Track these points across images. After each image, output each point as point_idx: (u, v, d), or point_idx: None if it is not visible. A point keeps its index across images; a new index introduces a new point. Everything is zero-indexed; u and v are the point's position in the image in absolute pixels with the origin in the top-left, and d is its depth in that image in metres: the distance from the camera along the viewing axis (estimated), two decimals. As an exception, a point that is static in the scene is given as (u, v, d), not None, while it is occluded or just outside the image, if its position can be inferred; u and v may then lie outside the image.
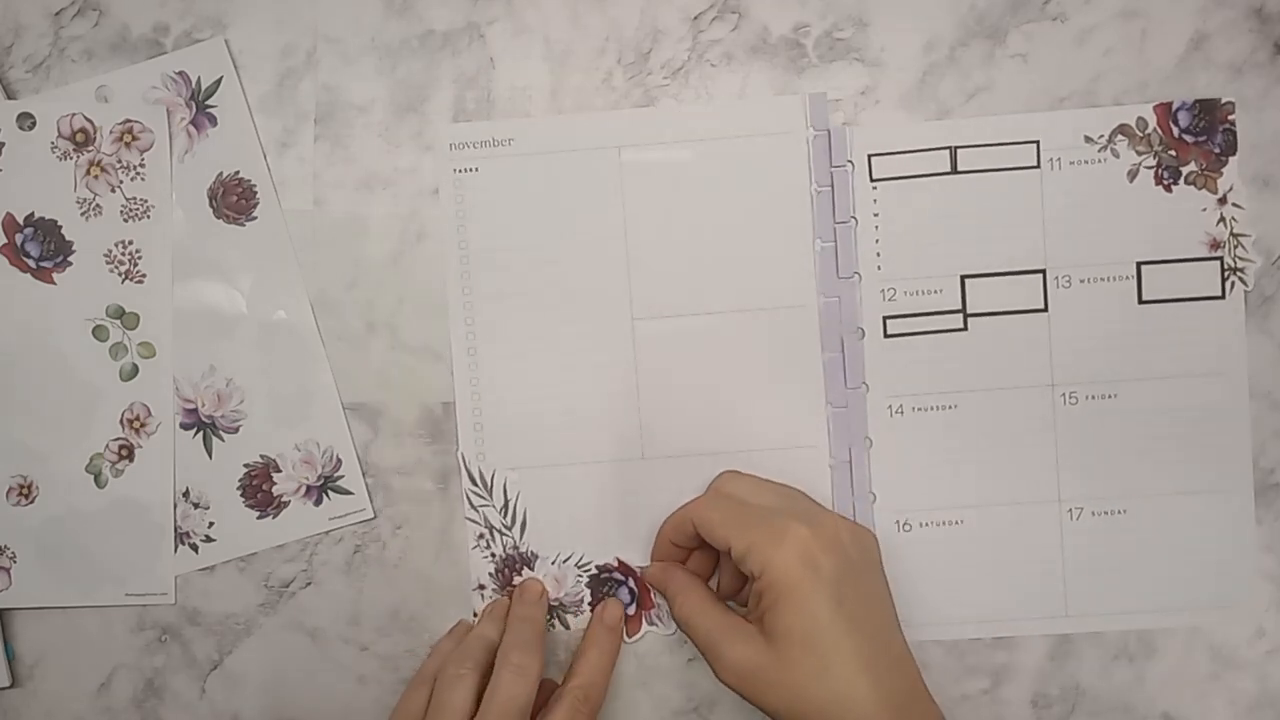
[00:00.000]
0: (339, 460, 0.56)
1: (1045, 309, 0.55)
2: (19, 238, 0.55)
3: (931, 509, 0.55)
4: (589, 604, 0.56)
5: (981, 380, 0.55)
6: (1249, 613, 0.55)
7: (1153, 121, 0.54)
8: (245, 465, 0.56)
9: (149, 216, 0.55)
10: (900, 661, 0.48)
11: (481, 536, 0.56)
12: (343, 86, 0.55)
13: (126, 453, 0.56)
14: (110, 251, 0.55)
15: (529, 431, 0.55)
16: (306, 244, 0.55)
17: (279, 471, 0.56)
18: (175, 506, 0.56)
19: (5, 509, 0.56)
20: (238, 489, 0.56)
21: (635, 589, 0.56)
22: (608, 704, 0.56)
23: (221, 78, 0.55)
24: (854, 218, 0.55)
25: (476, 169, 0.55)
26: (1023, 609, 0.55)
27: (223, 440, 0.56)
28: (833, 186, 0.55)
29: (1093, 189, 0.54)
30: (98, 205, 0.55)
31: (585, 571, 0.56)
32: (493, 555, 0.56)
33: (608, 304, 0.55)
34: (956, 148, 0.54)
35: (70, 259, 0.55)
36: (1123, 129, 0.54)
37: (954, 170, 0.54)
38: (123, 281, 0.55)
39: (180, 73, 0.55)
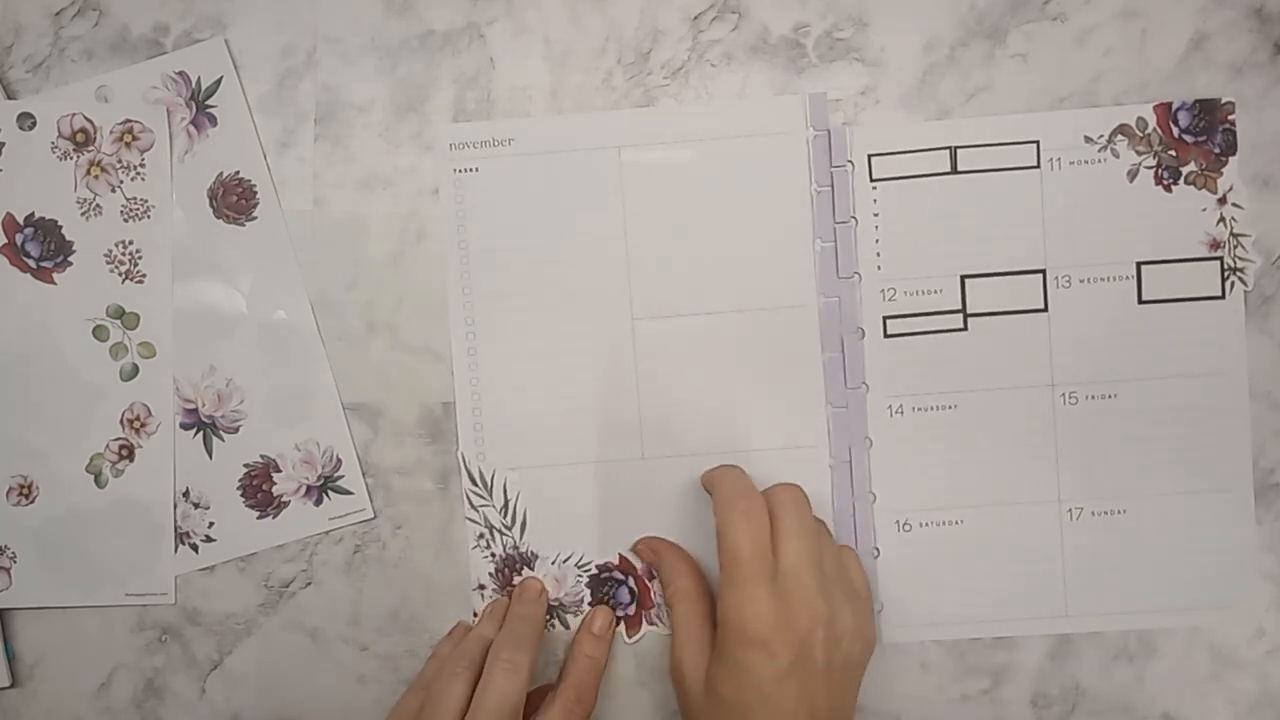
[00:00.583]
0: (339, 460, 0.56)
1: (1045, 309, 0.55)
2: (19, 238, 0.55)
3: (931, 509, 0.55)
4: (589, 604, 0.56)
5: (981, 380, 0.55)
6: (1249, 613, 0.55)
7: (1153, 121, 0.54)
8: (245, 465, 0.56)
9: (149, 216, 0.55)
10: None
11: (481, 536, 0.56)
12: (343, 86, 0.55)
13: (127, 453, 0.56)
14: (110, 251, 0.55)
15: (529, 431, 0.55)
16: (306, 244, 0.55)
17: (279, 471, 0.56)
18: (175, 506, 0.56)
19: (5, 509, 0.56)
20: (238, 489, 0.56)
21: (635, 589, 0.56)
22: (608, 704, 0.56)
23: (221, 78, 0.55)
24: (854, 218, 0.55)
25: (476, 169, 0.55)
26: (1023, 609, 0.55)
27: (223, 440, 0.56)
28: (833, 186, 0.55)
29: (1093, 189, 0.54)
30: (98, 205, 0.55)
31: (585, 571, 0.56)
32: (493, 555, 0.56)
33: (608, 304, 0.55)
34: (956, 148, 0.54)
35: (70, 259, 0.55)
36: (1123, 129, 0.54)
37: (954, 170, 0.54)
38: (123, 281, 0.55)
39: (180, 73, 0.55)
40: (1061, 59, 0.54)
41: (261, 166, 0.55)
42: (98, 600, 0.56)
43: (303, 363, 0.56)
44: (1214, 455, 0.55)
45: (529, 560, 0.56)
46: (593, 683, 0.53)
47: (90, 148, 0.55)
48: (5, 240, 0.55)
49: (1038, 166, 0.54)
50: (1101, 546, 0.55)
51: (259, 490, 0.56)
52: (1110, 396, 0.55)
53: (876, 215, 0.55)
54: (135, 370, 0.55)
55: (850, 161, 0.55)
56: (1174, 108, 0.54)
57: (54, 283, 0.55)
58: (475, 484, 0.56)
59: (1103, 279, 0.54)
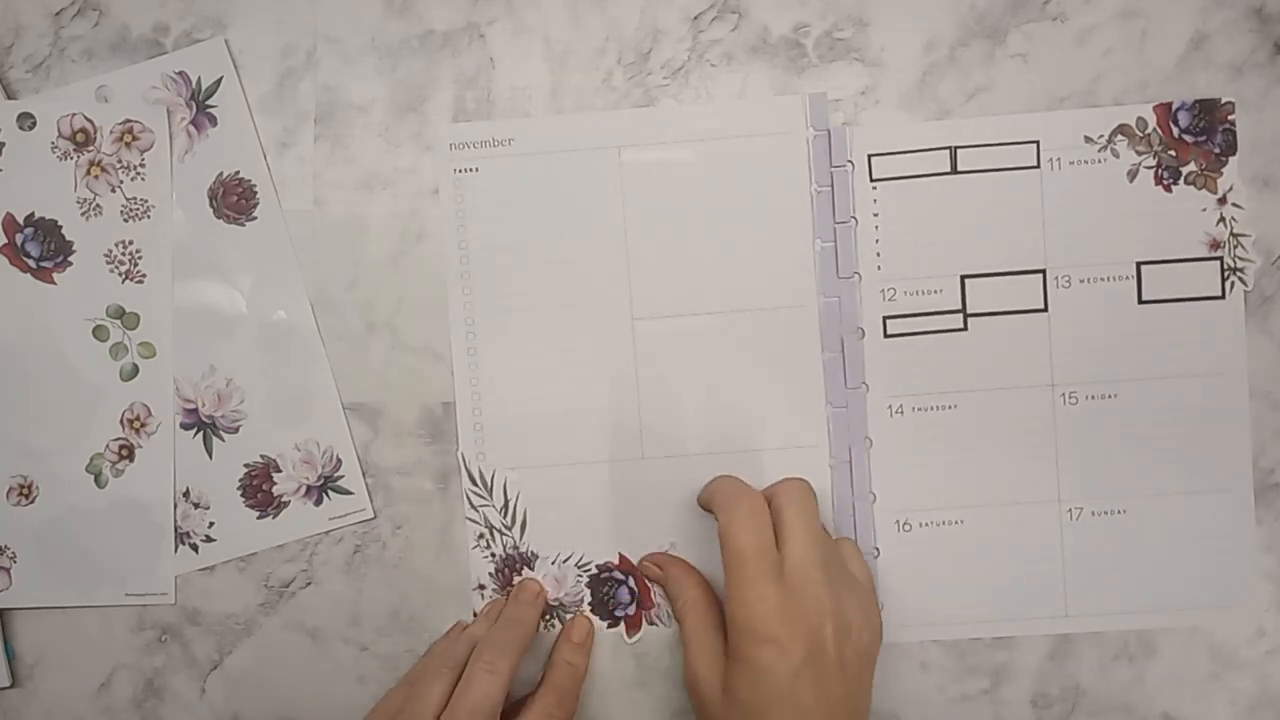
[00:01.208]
0: (339, 460, 0.56)
1: (1045, 309, 0.55)
2: (19, 238, 0.55)
3: (931, 509, 0.55)
4: (589, 604, 0.56)
5: (981, 380, 0.55)
6: (1249, 613, 0.55)
7: (1153, 121, 0.54)
8: (245, 465, 0.56)
9: (149, 216, 0.55)
10: None
11: (481, 536, 0.56)
12: (343, 86, 0.55)
13: (127, 453, 0.56)
14: (110, 251, 0.55)
15: (529, 431, 0.55)
16: (306, 244, 0.55)
17: (279, 471, 0.56)
18: (175, 506, 0.56)
19: (5, 509, 0.56)
20: (238, 489, 0.56)
21: (635, 589, 0.56)
22: (608, 704, 0.56)
23: (221, 78, 0.55)
24: (854, 218, 0.55)
25: (476, 169, 0.55)
26: (1023, 609, 0.55)
27: (223, 440, 0.56)
28: (833, 186, 0.55)
29: (1093, 189, 0.54)
30: (98, 205, 0.55)
31: (585, 571, 0.56)
32: (493, 555, 0.56)
33: (608, 304, 0.55)
34: (956, 148, 0.54)
35: (70, 259, 0.55)
36: (1123, 129, 0.54)
37: (954, 170, 0.54)
38: (123, 281, 0.55)
39: (180, 73, 0.55)
40: (1061, 59, 0.54)
41: (261, 166, 0.55)
42: (98, 600, 0.56)
43: (303, 363, 0.56)
44: (1214, 455, 0.55)
45: (529, 560, 0.56)
46: (573, 688, 0.53)
47: (90, 148, 0.55)
48: (5, 240, 0.55)
49: (1038, 166, 0.54)
50: (1101, 546, 0.55)
51: (259, 490, 0.56)
52: (1110, 396, 0.55)
53: (876, 215, 0.55)
54: (135, 370, 0.55)
55: (850, 161, 0.55)
56: (1174, 108, 0.54)
57: (54, 283, 0.55)
58: (475, 484, 0.56)
59: (1103, 279, 0.54)
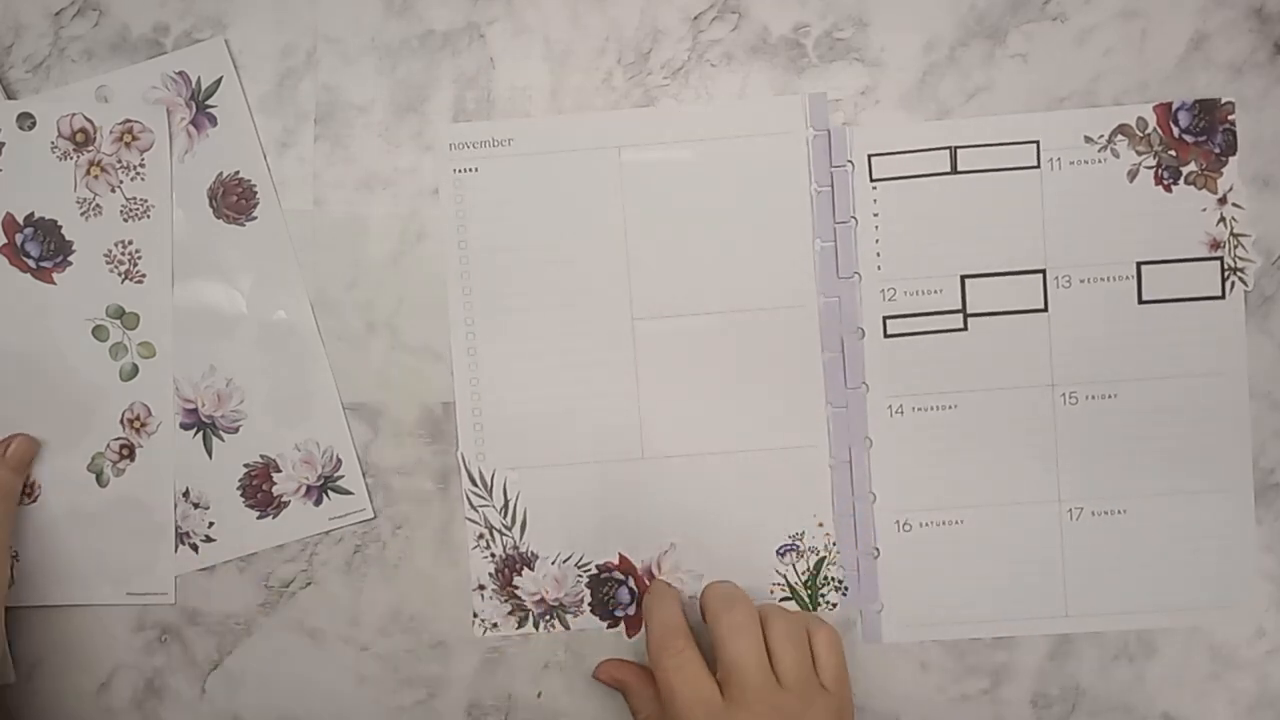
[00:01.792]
0: (339, 460, 0.56)
1: (1045, 309, 0.55)
2: (19, 237, 0.55)
3: (931, 509, 0.55)
4: (589, 604, 0.56)
5: (981, 380, 0.55)
6: (1249, 613, 0.55)
7: (1153, 121, 0.54)
8: (245, 465, 0.56)
9: (149, 216, 0.55)
10: None
11: (481, 536, 0.56)
12: (343, 86, 0.55)
13: (128, 452, 0.56)
14: (110, 251, 0.55)
15: (529, 431, 0.55)
16: (306, 244, 0.55)
17: (279, 471, 0.56)
18: (175, 506, 0.56)
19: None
20: (238, 489, 0.56)
21: (635, 589, 0.56)
22: (608, 704, 0.56)
23: (221, 77, 0.55)
24: (854, 218, 0.55)
25: (476, 169, 0.55)
26: (1023, 609, 0.55)
27: (223, 440, 0.56)
28: (833, 186, 0.55)
29: (1093, 189, 0.54)
30: (97, 205, 0.55)
31: (585, 571, 0.56)
32: (493, 555, 0.56)
33: (608, 304, 0.55)
34: (956, 148, 0.54)
35: (70, 259, 0.55)
36: (1123, 129, 0.54)
37: (954, 170, 0.54)
38: (122, 281, 0.55)
39: (180, 73, 0.55)
40: (1061, 59, 0.54)
41: (261, 166, 0.55)
42: (98, 599, 0.56)
43: (302, 363, 0.56)
44: (1214, 455, 0.55)
45: (529, 560, 0.56)
46: None
47: (90, 148, 0.55)
48: (5, 240, 0.55)
49: (1038, 166, 0.54)
50: (1101, 546, 0.55)
51: (259, 490, 0.56)
52: (1110, 396, 0.55)
53: (876, 215, 0.55)
54: (135, 370, 0.55)
55: (850, 161, 0.55)
56: (1174, 108, 0.54)
57: (54, 283, 0.55)
58: (475, 484, 0.56)
59: (1103, 279, 0.54)
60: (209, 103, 0.55)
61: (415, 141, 0.55)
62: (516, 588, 0.56)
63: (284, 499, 0.56)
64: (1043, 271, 0.54)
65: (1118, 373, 0.55)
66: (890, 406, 0.55)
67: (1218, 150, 0.54)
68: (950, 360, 0.55)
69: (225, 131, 0.55)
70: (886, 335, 0.55)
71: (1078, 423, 0.55)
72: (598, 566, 0.56)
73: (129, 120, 0.55)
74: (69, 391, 0.56)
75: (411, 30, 0.55)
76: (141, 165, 0.55)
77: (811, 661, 0.49)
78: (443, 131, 0.55)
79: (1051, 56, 0.54)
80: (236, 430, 0.56)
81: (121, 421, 0.56)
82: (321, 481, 0.56)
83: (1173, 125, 0.54)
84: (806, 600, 0.56)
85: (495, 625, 0.56)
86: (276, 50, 0.55)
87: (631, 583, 0.56)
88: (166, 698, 0.57)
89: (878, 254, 0.55)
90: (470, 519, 0.56)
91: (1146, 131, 0.54)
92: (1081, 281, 0.54)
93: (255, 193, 0.55)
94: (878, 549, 0.55)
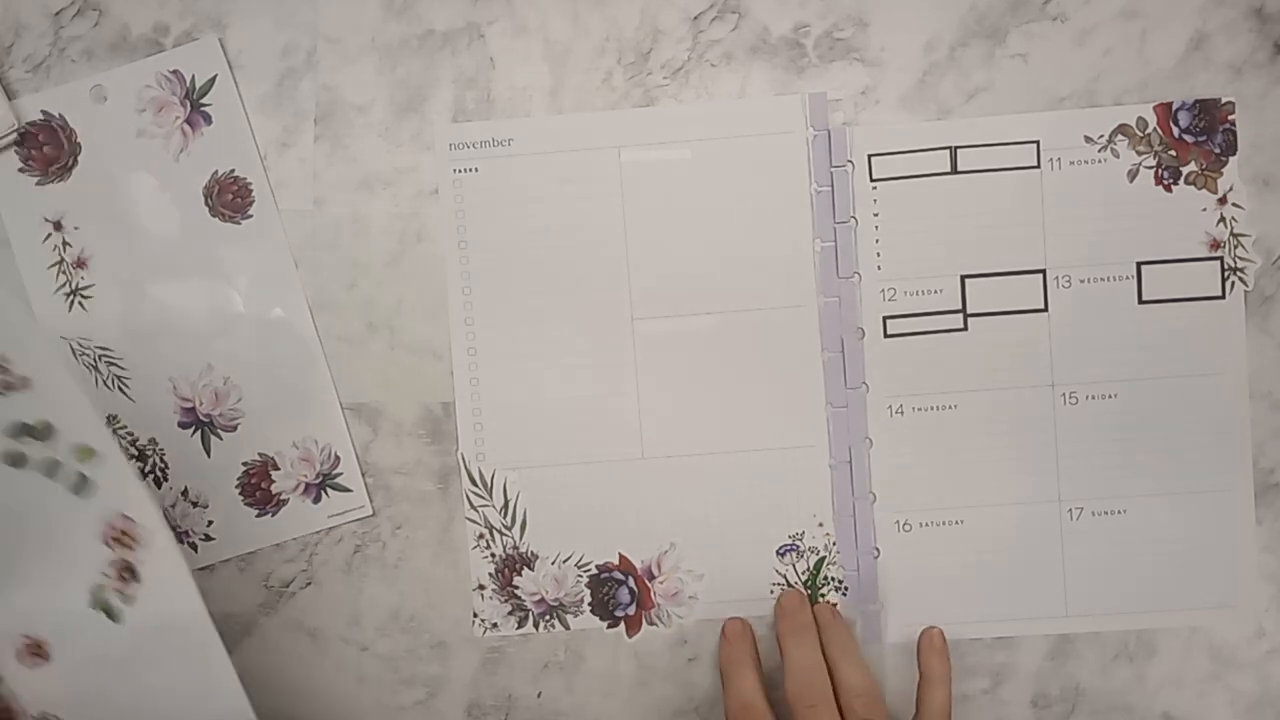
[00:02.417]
0: (337, 458, 0.56)
1: (1045, 309, 0.55)
2: None
3: (931, 509, 0.55)
4: (589, 604, 0.56)
5: (981, 380, 0.55)
6: (1249, 613, 0.55)
7: (1153, 121, 0.54)
8: (244, 463, 0.56)
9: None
10: None
11: (481, 536, 0.56)
12: (343, 86, 0.55)
13: (129, 573, 0.45)
14: None
15: (529, 431, 0.55)
16: (306, 244, 0.55)
17: (277, 469, 0.56)
18: (174, 505, 0.56)
19: (22, 675, 0.46)
20: (236, 487, 0.56)
21: (635, 589, 0.56)
22: (608, 704, 0.56)
23: (216, 76, 0.55)
24: (854, 218, 0.55)
25: (476, 169, 0.55)
26: (1023, 609, 0.55)
27: (220, 439, 0.56)
28: (833, 186, 0.55)
29: (1093, 189, 0.54)
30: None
31: (585, 571, 0.56)
32: (493, 555, 0.56)
33: (608, 304, 0.55)
34: (956, 148, 0.54)
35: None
36: (1123, 129, 0.54)
37: (954, 170, 0.54)
38: (3, 392, 0.44)
39: (175, 71, 0.55)
40: (1061, 59, 0.54)
41: (257, 165, 0.55)
42: None
43: (300, 361, 0.56)
44: (1214, 455, 0.55)
45: (529, 560, 0.56)
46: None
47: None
48: None
49: (1038, 166, 0.54)
50: (1101, 546, 0.55)
51: (258, 488, 0.56)
52: (1110, 396, 0.55)
53: (876, 215, 0.55)
54: (84, 479, 0.44)
55: (850, 161, 0.55)
56: (1174, 108, 0.54)
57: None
58: (475, 484, 0.56)
59: (1103, 279, 0.54)
60: (204, 101, 0.55)
61: (415, 141, 0.55)
62: (516, 588, 0.56)
63: (283, 497, 0.56)
64: (1043, 271, 0.54)
65: (1118, 373, 0.55)
66: (890, 406, 0.55)
67: (1218, 150, 0.54)
68: (950, 360, 0.55)
69: (220, 130, 0.55)
70: (886, 335, 0.55)
71: (1078, 423, 0.55)
72: (598, 566, 0.56)
73: None
74: (24, 533, 0.45)
75: (411, 30, 0.55)
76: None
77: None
78: (443, 131, 0.55)
79: (1051, 56, 0.54)
80: (234, 429, 0.56)
81: (105, 541, 0.45)
82: (320, 479, 0.56)
83: (1173, 125, 0.54)
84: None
85: (495, 625, 0.56)
86: (276, 50, 0.55)
87: (632, 582, 0.56)
88: (166, 698, 0.57)
89: (878, 254, 0.55)
90: (470, 519, 0.56)
91: (1146, 131, 0.54)
92: (1081, 281, 0.54)
93: (251, 191, 0.55)
94: (878, 549, 0.55)
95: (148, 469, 0.56)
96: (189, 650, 0.46)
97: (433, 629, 0.56)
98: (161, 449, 0.56)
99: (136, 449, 0.56)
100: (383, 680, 0.56)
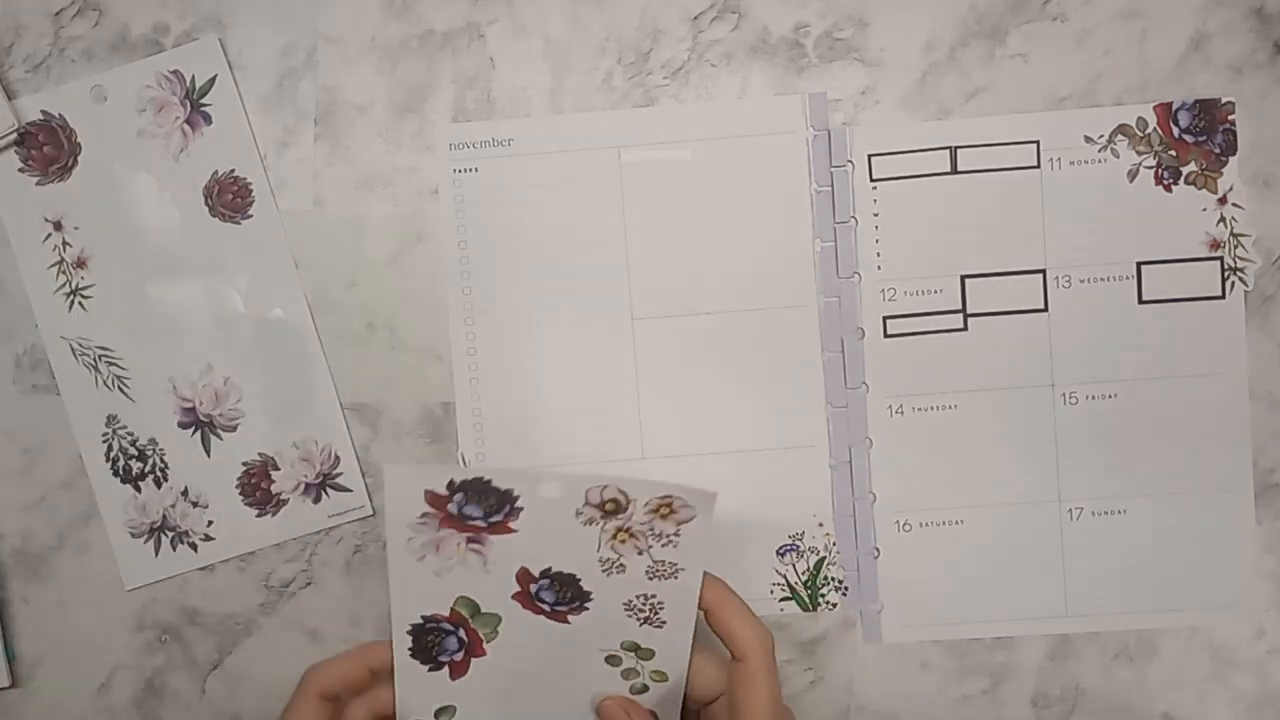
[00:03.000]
0: (337, 458, 0.56)
1: (1045, 309, 0.55)
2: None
3: (931, 509, 0.55)
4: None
5: (981, 380, 0.55)
6: (1249, 613, 0.55)
7: (1153, 121, 0.54)
8: (244, 463, 0.56)
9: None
10: None
11: (481, 536, 0.56)
12: (343, 86, 0.55)
13: None
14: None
15: (529, 431, 0.55)
16: (307, 244, 0.55)
17: (277, 469, 0.56)
18: (174, 505, 0.56)
19: None
20: (236, 487, 0.56)
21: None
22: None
23: (216, 76, 0.55)
24: (854, 218, 0.55)
25: (476, 169, 0.55)
26: (1023, 609, 0.55)
27: (220, 439, 0.56)
28: (833, 186, 0.55)
29: (1093, 189, 0.54)
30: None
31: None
32: (493, 555, 0.56)
33: (608, 304, 0.55)
34: (956, 148, 0.54)
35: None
36: (1123, 129, 0.54)
37: (954, 170, 0.54)
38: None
39: (175, 71, 0.55)
40: (1061, 59, 0.54)
41: (257, 165, 0.55)
42: None
43: (300, 360, 0.56)
44: (1214, 455, 0.55)
45: (529, 560, 0.56)
46: None
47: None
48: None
49: (1038, 166, 0.54)
50: (1102, 546, 0.55)
51: (258, 488, 0.56)
52: (1110, 396, 0.55)
53: (876, 215, 0.55)
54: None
55: (850, 161, 0.55)
56: (1174, 108, 0.54)
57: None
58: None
59: (1103, 279, 0.54)
60: (204, 101, 0.55)
61: (415, 141, 0.55)
62: (516, 588, 0.56)
63: (283, 497, 0.56)
64: (1043, 271, 0.54)
65: (1118, 373, 0.55)
66: (890, 406, 0.55)
67: (1218, 150, 0.54)
68: (950, 360, 0.55)
69: (220, 130, 0.55)
70: (886, 335, 0.55)
71: (1078, 423, 0.55)
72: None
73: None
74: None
75: (411, 30, 0.55)
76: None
77: None
78: (443, 131, 0.55)
79: (1051, 56, 0.54)
80: (234, 428, 0.56)
81: None
82: (320, 479, 0.56)
83: (1173, 125, 0.54)
84: (806, 600, 0.56)
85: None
86: (276, 50, 0.55)
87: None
88: (166, 698, 0.57)
89: (878, 254, 0.55)
90: (470, 519, 0.56)
91: (1146, 131, 0.54)
92: (1081, 281, 0.54)
93: (251, 191, 0.55)
94: (878, 549, 0.55)
95: (148, 469, 0.56)
96: None
97: (433, 629, 0.56)
98: (161, 449, 0.56)
99: (136, 449, 0.56)
100: (383, 680, 0.56)
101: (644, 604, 0.49)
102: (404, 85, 0.55)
